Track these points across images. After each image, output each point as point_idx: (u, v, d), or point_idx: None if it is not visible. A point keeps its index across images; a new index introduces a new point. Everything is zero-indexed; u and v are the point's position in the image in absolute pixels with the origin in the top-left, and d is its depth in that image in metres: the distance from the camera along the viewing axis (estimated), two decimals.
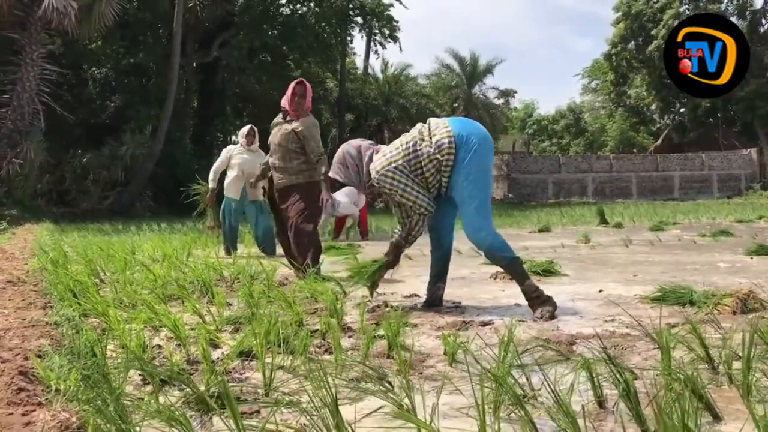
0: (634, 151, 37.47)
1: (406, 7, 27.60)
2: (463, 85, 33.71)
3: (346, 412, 1.57)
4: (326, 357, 2.26)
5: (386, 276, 3.69)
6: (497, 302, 3.50)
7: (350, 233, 8.95)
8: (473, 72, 33.49)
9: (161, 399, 1.70)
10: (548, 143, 47.22)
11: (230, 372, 2.08)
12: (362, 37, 28.62)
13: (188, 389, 1.73)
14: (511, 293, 3.63)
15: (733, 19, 29.43)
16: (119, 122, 19.35)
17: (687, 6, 31.31)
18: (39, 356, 1.97)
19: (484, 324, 2.84)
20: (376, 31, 27.29)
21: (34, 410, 1.52)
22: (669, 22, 29.37)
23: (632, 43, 33.80)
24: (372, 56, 30.83)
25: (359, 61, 34.07)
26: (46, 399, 1.61)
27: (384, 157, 3.23)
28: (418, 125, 3.31)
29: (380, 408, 1.61)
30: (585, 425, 1.38)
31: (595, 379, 1.69)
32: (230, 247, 6.55)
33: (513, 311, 3.17)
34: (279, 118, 4.66)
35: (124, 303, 3.16)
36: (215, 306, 3.13)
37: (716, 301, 2.99)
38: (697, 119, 33.40)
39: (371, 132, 29.60)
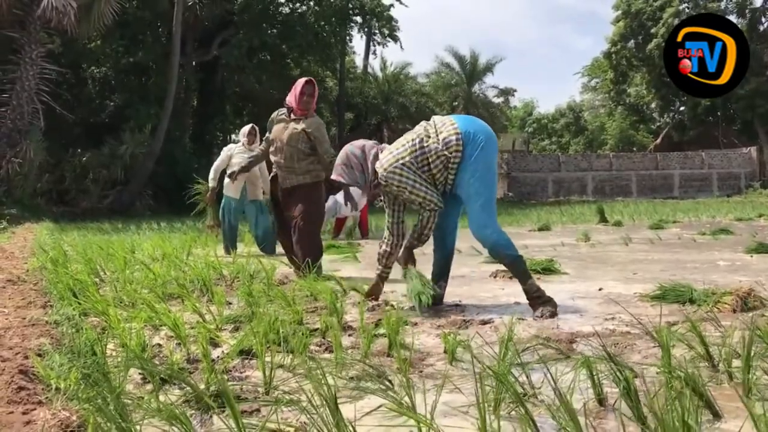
0: (634, 149, 37.47)
1: (406, 6, 27.65)
2: (462, 84, 33.70)
3: (347, 410, 1.57)
4: (326, 355, 2.26)
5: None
6: (497, 301, 3.50)
7: (350, 232, 8.94)
8: (473, 70, 33.48)
9: (161, 398, 1.70)
10: (548, 142, 47.22)
11: (230, 371, 2.08)
12: (362, 36, 28.66)
13: (188, 388, 1.73)
14: (511, 292, 3.63)
15: (733, 18, 29.50)
16: (119, 121, 19.35)
17: (687, 4, 31.29)
18: (39, 355, 1.97)
19: (484, 322, 2.84)
20: (376, 31, 27.28)
21: (35, 409, 1.52)
22: (669, 20, 29.35)
23: (632, 41, 33.78)
24: (371, 55, 30.90)
25: (359, 60, 34.13)
26: (47, 398, 1.62)
27: (391, 154, 3.23)
28: (423, 123, 3.31)
29: (380, 406, 1.61)
30: (586, 423, 1.38)
31: (596, 377, 1.69)
32: (230, 246, 6.56)
33: (513, 310, 3.17)
34: (280, 114, 4.58)
35: (124, 302, 3.16)
36: (215, 305, 3.13)
37: (716, 299, 2.99)
38: (696, 117, 33.40)
39: (371, 131, 29.62)
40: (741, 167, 30.78)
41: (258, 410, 1.68)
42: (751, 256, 5.33)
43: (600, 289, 3.76)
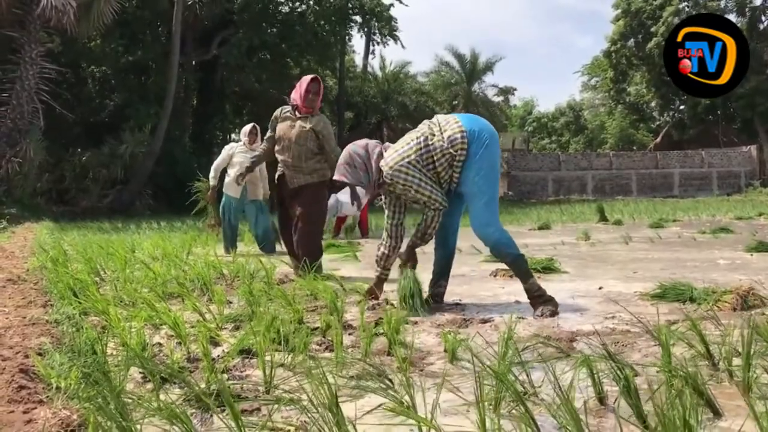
0: (634, 148, 37.47)
1: (406, 5, 27.60)
2: (462, 83, 33.72)
3: (347, 409, 1.57)
4: (326, 354, 2.26)
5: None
6: (497, 299, 3.50)
7: (350, 231, 8.94)
8: (473, 69, 33.49)
9: (162, 397, 1.70)
10: (548, 141, 47.23)
11: (231, 370, 2.08)
12: (361, 36, 28.64)
13: (189, 387, 1.73)
14: (512, 290, 3.63)
15: (733, 16, 29.54)
16: (119, 121, 19.34)
17: (686, 2, 31.29)
18: (39, 354, 1.97)
19: (484, 321, 2.84)
20: (375, 31, 27.26)
21: (35, 408, 1.52)
22: (669, 19, 29.36)
23: (632, 40, 33.78)
24: (371, 54, 30.88)
25: (358, 59, 34.12)
26: (47, 397, 1.62)
27: (396, 152, 3.23)
28: (426, 121, 3.32)
29: (380, 405, 1.61)
30: (586, 421, 1.38)
31: (596, 375, 1.69)
32: (230, 245, 6.56)
33: (513, 308, 3.17)
34: (284, 112, 4.54)
35: (124, 301, 3.16)
36: (215, 304, 3.12)
37: (716, 298, 3.00)
38: (696, 116, 33.41)
39: (370, 130, 29.62)
40: (741, 166, 30.79)
41: (258, 409, 1.68)
42: (751, 255, 5.33)
43: (600, 288, 3.76)
